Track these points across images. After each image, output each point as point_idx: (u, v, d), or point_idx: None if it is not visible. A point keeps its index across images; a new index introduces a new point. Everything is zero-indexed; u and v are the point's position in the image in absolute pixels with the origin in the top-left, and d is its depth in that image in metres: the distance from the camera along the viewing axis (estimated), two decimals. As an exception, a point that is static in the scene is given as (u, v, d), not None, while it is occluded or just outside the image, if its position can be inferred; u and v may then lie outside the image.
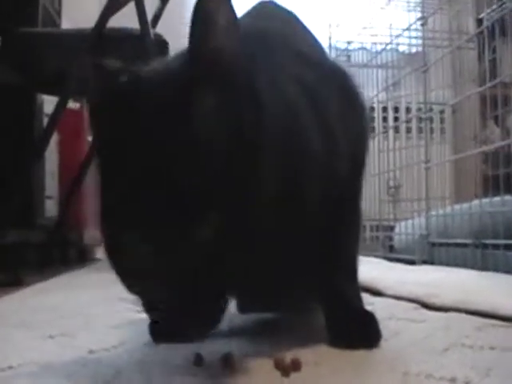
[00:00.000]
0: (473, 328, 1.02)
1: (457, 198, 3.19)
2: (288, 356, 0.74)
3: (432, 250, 2.38)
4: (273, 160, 0.70)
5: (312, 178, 0.80)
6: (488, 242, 1.99)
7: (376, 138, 3.23)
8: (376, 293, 1.48)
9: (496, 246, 1.95)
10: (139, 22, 2.17)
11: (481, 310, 1.16)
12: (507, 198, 2.00)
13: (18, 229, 2.22)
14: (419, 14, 2.79)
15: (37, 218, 2.56)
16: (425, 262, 2.33)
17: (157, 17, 2.59)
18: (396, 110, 3.82)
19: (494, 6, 2.28)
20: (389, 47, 3.24)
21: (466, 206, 2.25)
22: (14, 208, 2.14)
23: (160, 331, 0.91)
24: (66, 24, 3.03)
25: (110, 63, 0.75)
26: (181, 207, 0.62)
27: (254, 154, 0.67)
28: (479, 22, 2.64)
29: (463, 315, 1.16)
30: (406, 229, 2.70)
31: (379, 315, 0.91)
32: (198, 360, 0.76)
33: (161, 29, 2.46)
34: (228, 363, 0.74)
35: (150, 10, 2.38)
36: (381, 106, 3.83)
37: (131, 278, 0.67)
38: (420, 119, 3.43)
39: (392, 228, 2.98)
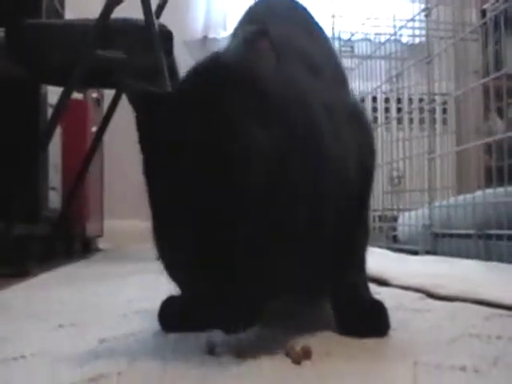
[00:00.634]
0: (479, 318, 1.03)
1: (459, 189, 3.19)
2: (298, 344, 0.75)
3: (435, 241, 2.39)
4: (298, 164, 0.74)
5: (330, 179, 0.82)
6: (492, 232, 1.99)
7: (379, 129, 3.23)
8: (382, 283, 1.49)
9: (499, 237, 1.96)
10: (144, 13, 2.18)
11: (486, 299, 1.17)
12: (511, 189, 2.01)
13: (23, 222, 2.23)
14: (423, 5, 2.79)
15: (41, 210, 2.56)
16: (428, 253, 2.34)
17: (161, 7, 2.59)
18: (399, 101, 3.83)
19: (498, -2, 2.28)
20: (392, 38, 3.24)
21: (469, 196, 2.25)
22: (18, 201, 2.14)
23: (169, 321, 0.92)
24: (70, 15, 3.03)
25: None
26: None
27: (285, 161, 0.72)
28: (483, 13, 2.63)
29: (469, 305, 1.17)
30: (410, 219, 2.71)
31: (387, 305, 0.92)
32: (211, 349, 0.77)
33: (165, 19, 2.46)
34: (240, 352, 0.75)
35: (154, 0, 2.38)
36: (383, 96, 3.84)
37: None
38: (423, 110, 3.44)
39: (395, 219, 2.98)
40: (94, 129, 3.15)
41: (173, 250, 0.73)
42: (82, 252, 3.27)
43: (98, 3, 2.30)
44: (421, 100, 3.46)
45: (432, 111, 2.80)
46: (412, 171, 3.01)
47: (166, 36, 2.31)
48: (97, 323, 1.02)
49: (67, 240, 3.06)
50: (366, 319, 0.89)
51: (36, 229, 2.45)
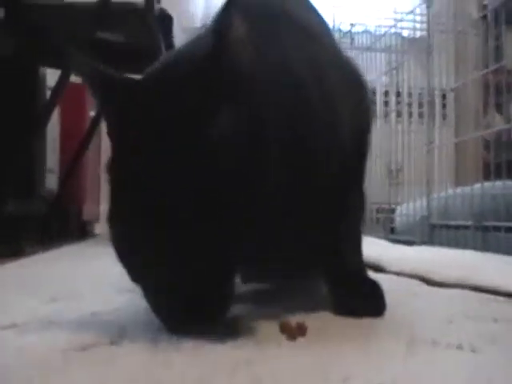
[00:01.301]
0: (476, 302, 1.03)
1: (457, 182, 3.19)
2: (293, 320, 0.74)
3: (432, 232, 2.38)
4: (282, 134, 0.73)
5: (319, 148, 0.80)
6: (489, 224, 1.99)
7: (378, 122, 3.22)
8: (378, 269, 1.48)
9: (497, 228, 1.95)
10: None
11: (483, 286, 1.17)
12: (509, 182, 2.00)
13: (18, 200, 2.21)
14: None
15: (37, 189, 2.55)
16: (425, 244, 2.33)
17: (162, -9, 2.57)
18: (398, 94, 3.81)
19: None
20: (392, 31, 3.22)
21: (467, 188, 2.25)
22: (14, 179, 2.13)
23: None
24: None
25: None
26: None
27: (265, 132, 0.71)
28: (484, 7, 2.63)
29: (466, 291, 1.17)
30: (408, 210, 2.70)
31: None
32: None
33: (165, 4, 2.45)
34: (234, 325, 0.74)
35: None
36: (383, 89, 3.83)
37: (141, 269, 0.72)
38: (422, 104, 3.43)
39: (393, 210, 2.98)
40: (92, 113, 3.13)
41: (134, 232, 0.71)
42: (78, 235, 3.26)
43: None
44: (420, 94, 3.45)
45: (431, 105, 2.79)
46: (410, 164, 3.00)
47: (166, 20, 2.30)
48: (90, 297, 1.02)
49: (63, 221, 3.05)
50: (362, 298, 0.88)
51: (31, 208, 2.44)
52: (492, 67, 2.21)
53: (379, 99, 3.89)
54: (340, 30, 3.44)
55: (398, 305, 0.95)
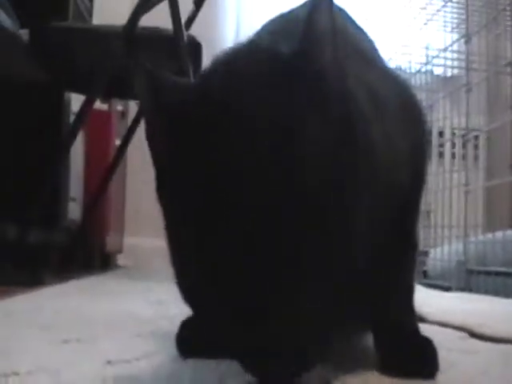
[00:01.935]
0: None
1: (488, 227, 3.08)
2: (335, 381, 0.64)
3: (469, 278, 2.27)
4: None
5: (381, 193, 0.70)
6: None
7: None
8: (419, 319, 1.37)
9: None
10: (172, 22, 2.09)
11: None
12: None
13: (40, 229, 2.15)
14: (456, 36, 2.70)
15: (60, 219, 2.48)
16: (462, 290, 2.22)
17: (191, 19, 2.51)
18: (429, 133, 3.71)
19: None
20: (424, 69, 3.14)
21: (509, 233, 2.14)
22: (37, 208, 2.06)
23: (189, 344, 0.81)
24: (97, 21, 2.97)
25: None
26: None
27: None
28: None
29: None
30: (442, 255, 2.59)
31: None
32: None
33: (194, 32, 2.38)
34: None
35: (184, 12, 2.29)
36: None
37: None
38: (454, 144, 3.34)
39: (425, 253, 2.87)
40: (117, 142, 3.07)
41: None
42: (101, 267, 3.19)
43: (126, 13, 2.22)
44: (453, 134, 3.34)
45: (465, 145, 2.70)
46: (444, 206, 2.89)
47: (195, 47, 2.23)
48: (106, 342, 0.91)
49: (85, 253, 2.98)
50: (412, 358, 0.78)
51: (53, 238, 2.38)
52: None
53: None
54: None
55: (449, 364, 0.84)
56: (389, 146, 0.71)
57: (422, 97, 3.10)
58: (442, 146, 3.47)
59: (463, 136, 2.69)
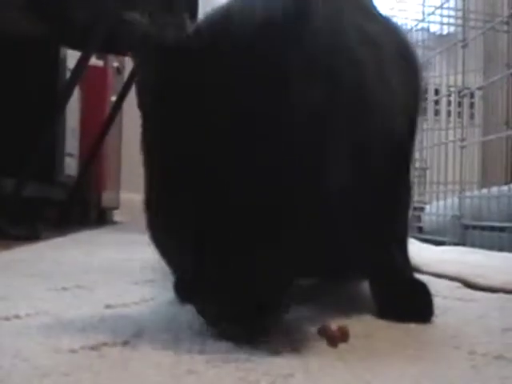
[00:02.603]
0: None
1: (483, 183, 3.09)
2: (334, 324, 0.65)
3: (464, 232, 2.28)
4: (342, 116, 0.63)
5: (376, 134, 0.70)
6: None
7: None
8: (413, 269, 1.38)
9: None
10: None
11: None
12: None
13: (37, 184, 2.14)
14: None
15: (56, 174, 2.48)
16: (456, 244, 2.23)
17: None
18: (425, 91, 3.69)
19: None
20: (420, 26, 3.11)
21: (504, 188, 2.15)
22: (33, 162, 2.05)
23: (187, 291, 0.82)
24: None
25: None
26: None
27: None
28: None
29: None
30: (438, 210, 2.60)
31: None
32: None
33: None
34: (268, 328, 0.64)
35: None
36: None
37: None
38: (450, 102, 3.33)
39: (421, 209, 2.87)
40: (113, 98, 3.06)
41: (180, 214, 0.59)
42: (97, 222, 3.20)
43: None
44: (450, 91, 3.32)
45: (461, 101, 2.69)
46: (439, 162, 2.89)
47: (192, 1, 2.21)
48: (105, 288, 0.92)
49: (82, 208, 2.98)
50: (408, 302, 0.78)
51: (50, 192, 2.38)
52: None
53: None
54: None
55: (445, 310, 0.86)
56: (384, 86, 0.72)
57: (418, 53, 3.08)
58: (437, 103, 3.46)
59: (459, 93, 2.67)
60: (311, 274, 0.88)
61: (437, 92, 3.62)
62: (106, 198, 3.26)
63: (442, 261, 1.45)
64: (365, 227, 0.79)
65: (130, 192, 3.83)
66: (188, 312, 0.74)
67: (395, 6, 3.17)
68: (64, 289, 0.89)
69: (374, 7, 0.93)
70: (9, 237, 1.73)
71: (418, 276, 1.00)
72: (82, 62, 2.14)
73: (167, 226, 0.60)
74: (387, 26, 0.85)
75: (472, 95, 3.45)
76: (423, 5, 3.04)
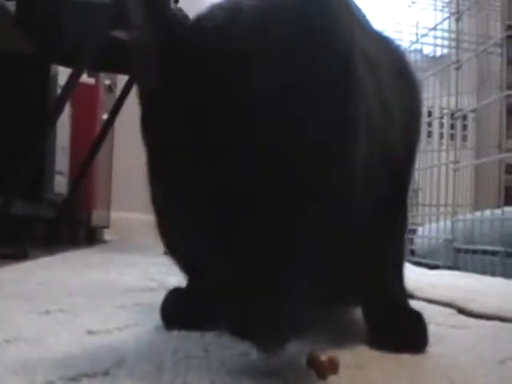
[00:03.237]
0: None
1: (476, 206, 3.08)
2: (323, 354, 0.62)
3: (457, 256, 2.27)
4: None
5: (372, 157, 0.67)
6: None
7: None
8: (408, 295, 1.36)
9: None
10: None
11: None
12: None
13: (25, 202, 2.12)
14: (446, 15, 2.68)
15: (46, 192, 2.46)
16: (449, 268, 2.21)
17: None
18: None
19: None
20: (413, 47, 3.11)
21: (497, 211, 2.13)
22: (22, 179, 2.03)
23: (173, 316, 0.80)
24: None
25: None
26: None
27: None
28: (508, 28, 2.52)
29: (507, 324, 1.04)
30: (430, 233, 2.58)
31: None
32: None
33: (182, 3, 2.34)
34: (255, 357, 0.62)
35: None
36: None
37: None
38: (442, 124, 3.33)
39: (413, 231, 2.86)
40: (105, 116, 3.04)
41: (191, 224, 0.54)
42: (87, 242, 3.17)
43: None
44: (443, 113, 3.32)
45: (454, 123, 2.69)
46: (431, 184, 2.88)
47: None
48: (88, 312, 0.90)
49: (72, 227, 2.96)
50: (402, 331, 0.76)
51: (39, 210, 2.35)
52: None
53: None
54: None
55: (439, 338, 0.83)
56: (382, 109, 0.69)
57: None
58: (430, 125, 3.46)
59: (452, 115, 2.67)
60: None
61: (430, 114, 3.62)
62: (96, 216, 3.24)
63: (436, 286, 1.43)
64: (359, 251, 0.76)
65: (120, 211, 3.81)
66: (173, 339, 0.72)
67: (390, 26, 3.17)
68: (46, 312, 0.87)
69: (371, 25, 0.91)
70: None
71: (411, 302, 0.99)
72: (73, 79, 2.12)
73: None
74: (386, 45, 0.83)
75: (465, 117, 3.45)
76: (417, 26, 3.04)
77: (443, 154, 2.97)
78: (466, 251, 2.21)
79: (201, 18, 0.58)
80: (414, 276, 1.61)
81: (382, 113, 0.68)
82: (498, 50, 2.70)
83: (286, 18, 0.52)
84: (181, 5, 2.36)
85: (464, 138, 3.74)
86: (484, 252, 2.09)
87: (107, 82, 3.39)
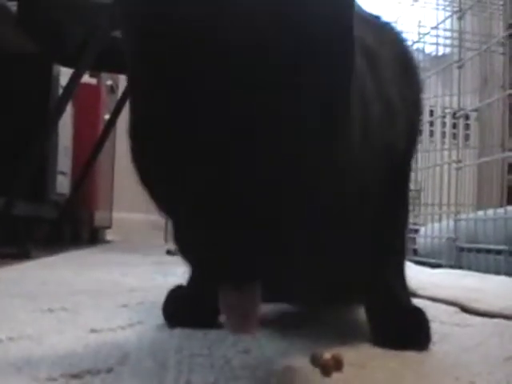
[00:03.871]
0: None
1: (478, 206, 3.07)
2: (327, 352, 0.62)
3: (460, 255, 2.26)
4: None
5: (371, 150, 0.66)
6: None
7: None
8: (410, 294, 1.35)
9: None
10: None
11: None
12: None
13: (27, 201, 2.12)
14: (448, 14, 2.67)
15: (48, 192, 2.46)
16: (452, 267, 2.20)
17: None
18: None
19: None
20: (415, 47, 3.10)
21: (500, 210, 2.12)
22: (24, 180, 2.03)
23: (176, 314, 0.79)
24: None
25: None
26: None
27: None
28: (511, 26, 2.52)
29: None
30: (433, 232, 2.58)
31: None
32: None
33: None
34: (259, 356, 0.62)
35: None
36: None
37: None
38: (444, 124, 3.32)
39: (415, 231, 2.85)
40: (106, 116, 3.04)
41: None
42: (89, 242, 3.17)
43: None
44: (445, 113, 3.31)
45: (457, 123, 2.68)
46: (434, 184, 2.88)
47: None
48: (91, 311, 0.89)
49: (74, 227, 2.96)
50: (405, 329, 0.75)
51: (41, 211, 2.35)
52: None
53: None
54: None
55: (443, 337, 0.83)
56: (382, 100, 0.69)
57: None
58: (432, 124, 3.45)
59: (454, 114, 2.66)
60: (305, 298, 0.85)
61: (432, 113, 3.61)
62: (99, 216, 3.24)
63: (439, 284, 1.42)
64: (362, 250, 0.76)
65: (122, 211, 3.81)
66: (176, 337, 0.72)
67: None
68: (49, 310, 0.87)
69: (372, 15, 0.90)
70: (-2, 256, 1.71)
71: (414, 301, 0.98)
72: (75, 79, 2.12)
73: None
74: (385, 33, 0.82)
75: (467, 117, 3.44)
76: (419, 25, 3.03)
77: (446, 153, 2.96)
78: (469, 250, 2.20)
79: None
80: (416, 275, 1.60)
81: (382, 105, 0.68)
82: (501, 49, 2.69)
83: None
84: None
85: (466, 138, 3.73)
86: (488, 251, 2.08)
87: (109, 82, 3.39)
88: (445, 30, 2.97)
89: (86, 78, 2.80)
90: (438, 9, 3.01)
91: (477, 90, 3.07)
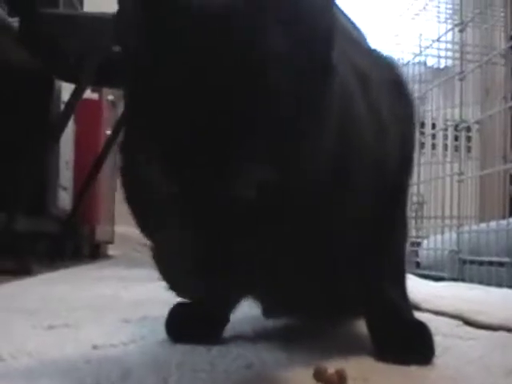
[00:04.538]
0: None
1: (481, 218, 3.07)
2: (330, 367, 0.61)
3: (462, 268, 2.25)
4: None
5: (364, 168, 0.67)
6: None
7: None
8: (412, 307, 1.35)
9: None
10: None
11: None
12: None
13: (28, 216, 2.12)
14: (449, 26, 2.68)
15: (49, 207, 2.45)
16: (455, 280, 2.20)
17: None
18: (422, 125, 3.68)
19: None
20: (416, 60, 3.10)
21: (503, 223, 2.12)
22: (25, 195, 2.03)
23: (178, 330, 0.79)
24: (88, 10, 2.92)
25: None
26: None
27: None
28: (512, 38, 2.53)
29: (514, 335, 1.03)
30: (435, 244, 2.57)
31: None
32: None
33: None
34: (261, 371, 0.61)
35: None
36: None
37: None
38: (446, 136, 3.32)
39: (418, 244, 2.85)
40: (108, 131, 3.05)
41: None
42: (91, 257, 3.16)
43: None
44: (445, 128, 3.32)
45: (459, 135, 2.69)
46: (436, 196, 2.88)
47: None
48: (93, 327, 0.89)
49: (75, 242, 2.95)
50: (407, 343, 0.75)
51: (42, 226, 2.35)
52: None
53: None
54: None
55: (445, 350, 0.82)
56: (373, 119, 0.69)
57: (414, 88, 3.07)
58: (434, 136, 3.45)
59: (456, 127, 2.66)
60: (295, 311, 0.85)
61: (434, 126, 3.61)
62: (100, 231, 3.23)
63: (441, 297, 1.42)
64: (359, 264, 0.76)
65: (124, 226, 3.80)
66: (179, 352, 0.72)
67: (392, 39, 3.17)
68: (50, 327, 0.86)
69: (367, 42, 0.91)
70: (-1, 271, 1.71)
71: (417, 314, 0.98)
72: (77, 95, 2.13)
73: None
74: (378, 58, 0.83)
75: (469, 129, 3.44)
76: (420, 38, 3.04)
77: (448, 165, 2.96)
78: (472, 262, 2.20)
79: None
80: (419, 288, 1.60)
81: (373, 123, 0.68)
82: (502, 61, 2.69)
83: None
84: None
85: (468, 150, 3.73)
86: (490, 263, 2.07)
87: (110, 97, 3.40)
88: (446, 42, 2.98)
89: (88, 93, 2.81)
90: (439, 21, 3.01)
91: (478, 101, 3.07)
